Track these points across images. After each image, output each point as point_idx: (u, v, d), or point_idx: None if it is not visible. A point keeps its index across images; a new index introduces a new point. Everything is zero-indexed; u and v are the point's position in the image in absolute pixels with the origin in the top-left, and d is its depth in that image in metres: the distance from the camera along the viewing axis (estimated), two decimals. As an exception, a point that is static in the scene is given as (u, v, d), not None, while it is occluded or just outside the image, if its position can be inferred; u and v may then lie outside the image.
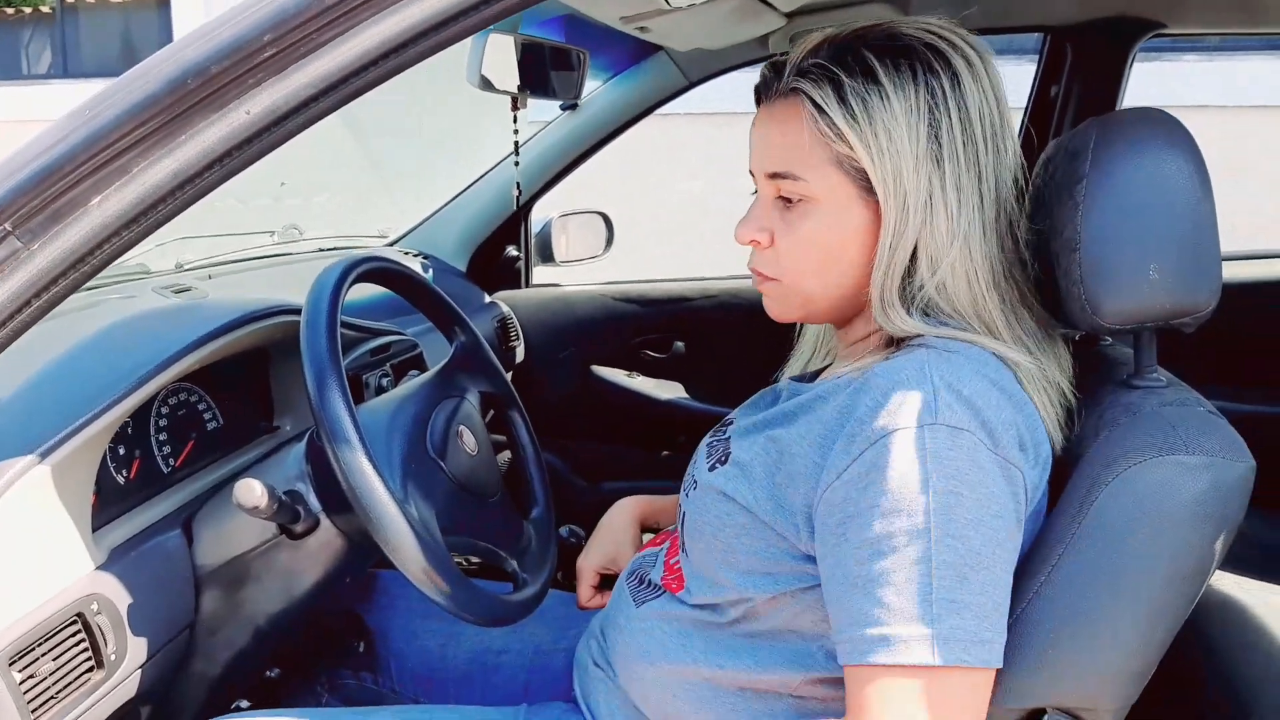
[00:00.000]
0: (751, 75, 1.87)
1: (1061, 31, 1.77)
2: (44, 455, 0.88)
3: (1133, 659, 0.79)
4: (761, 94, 0.91)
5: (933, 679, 0.72)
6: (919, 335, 0.84)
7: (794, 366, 1.04)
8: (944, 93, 0.83)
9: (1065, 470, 0.86)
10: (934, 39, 0.85)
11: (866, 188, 0.84)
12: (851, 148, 0.83)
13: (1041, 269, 0.91)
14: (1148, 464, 0.78)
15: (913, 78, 0.83)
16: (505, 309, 2.09)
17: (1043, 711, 0.80)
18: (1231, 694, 1.20)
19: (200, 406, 1.19)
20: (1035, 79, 1.90)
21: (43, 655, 0.86)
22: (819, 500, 0.80)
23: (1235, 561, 1.44)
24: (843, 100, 0.82)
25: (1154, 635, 0.79)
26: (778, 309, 0.93)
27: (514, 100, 1.52)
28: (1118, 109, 1.80)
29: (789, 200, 0.88)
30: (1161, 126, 0.85)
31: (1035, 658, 0.79)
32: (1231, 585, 1.40)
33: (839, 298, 0.89)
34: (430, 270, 2.05)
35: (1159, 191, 0.83)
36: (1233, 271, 1.85)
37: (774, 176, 0.87)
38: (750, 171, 0.92)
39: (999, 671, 0.77)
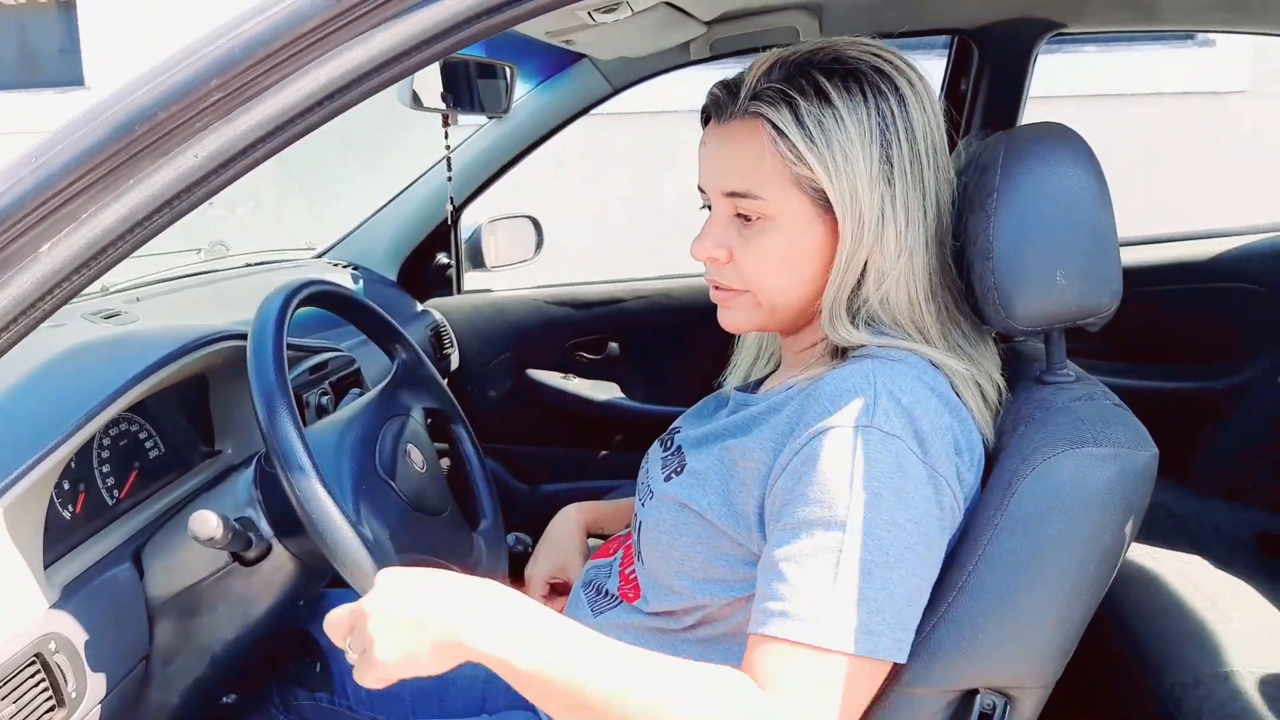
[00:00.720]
0: (672, 79, 1.92)
1: (968, 33, 1.84)
2: (-6, 498, 0.88)
3: (1055, 638, 0.86)
4: (712, 113, 0.93)
5: (818, 659, 0.77)
6: (863, 345, 0.89)
7: (737, 375, 1.09)
8: (893, 114, 0.88)
9: (988, 464, 0.92)
10: (879, 61, 0.90)
11: (824, 206, 0.89)
12: (810, 169, 0.87)
13: (959, 275, 0.97)
14: (1060, 456, 0.84)
15: (863, 99, 0.87)
16: (438, 316, 2.10)
17: (975, 691, 0.86)
18: (1145, 658, 1.29)
19: (141, 436, 1.19)
20: (945, 76, 1.98)
21: (3, 699, 0.86)
22: (767, 493, 0.85)
23: (1148, 533, 1.54)
24: (800, 123, 0.86)
25: (1073, 614, 0.86)
26: (739, 319, 0.96)
27: (444, 117, 1.54)
28: (1022, 118, 1.89)
29: (746, 218, 0.91)
30: (1064, 141, 0.92)
31: (966, 641, 0.84)
32: (1143, 555, 1.50)
33: (797, 308, 0.93)
34: (361, 281, 2.05)
35: (1063, 203, 0.89)
36: (1138, 255, 1.97)
37: (733, 195, 0.90)
38: (700, 188, 0.95)
39: (932, 656, 0.83)
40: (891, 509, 0.79)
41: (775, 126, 0.87)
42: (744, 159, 0.89)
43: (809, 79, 0.88)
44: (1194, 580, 1.43)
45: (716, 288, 0.95)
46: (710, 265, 0.95)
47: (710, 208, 0.95)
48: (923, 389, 0.84)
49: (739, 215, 0.92)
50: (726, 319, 0.97)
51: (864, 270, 0.89)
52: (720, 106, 0.92)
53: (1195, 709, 1.18)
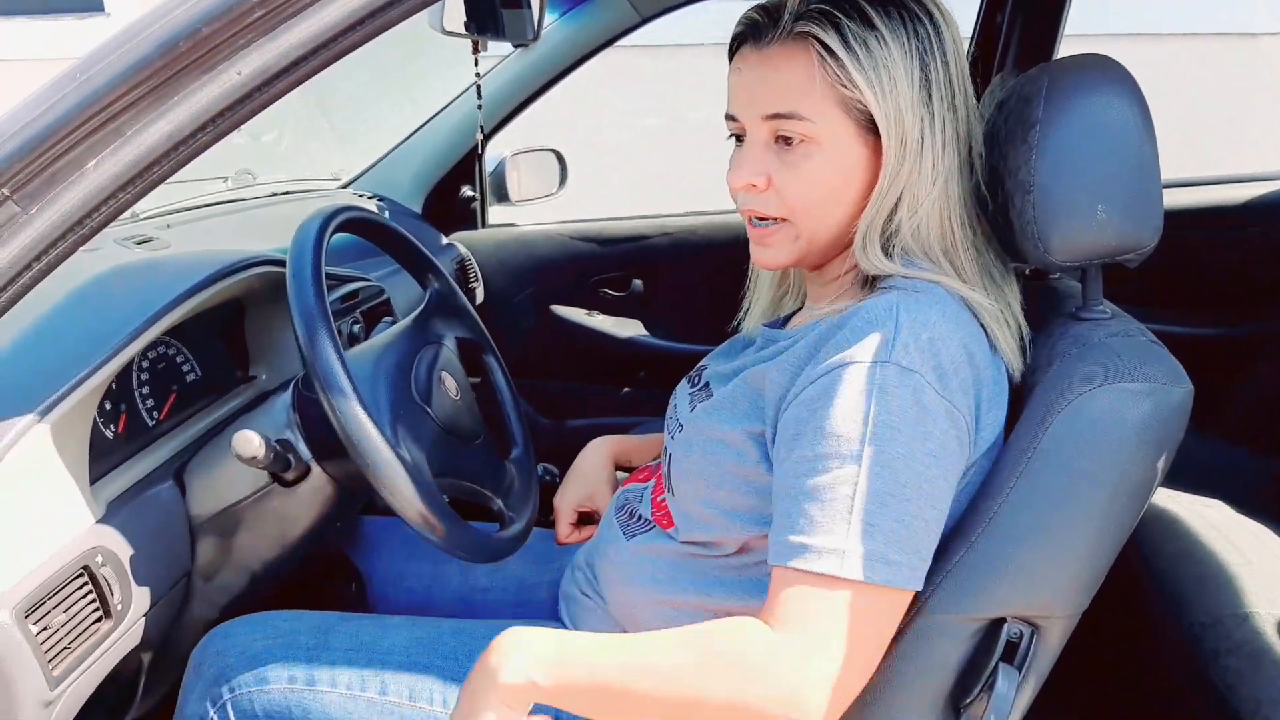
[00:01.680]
0: (701, 9, 1.89)
1: (1006, -35, 1.80)
2: (43, 414, 0.89)
3: (1083, 570, 0.87)
4: (749, 38, 0.92)
5: (837, 588, 0.79)
6: (890, 276, 0.89)
7: (754, 315, 1.08)
8: (930, 38, 0.88)
9: (1019, 399, 0.92)
10: None
11: (866, 128, 0.88)
12: (859, 89, 0.87)
13: (995, 207, 0.97)
14: (1096, 391, 0.85)
15: (902, 23, 0.87)
16: (463, 250, 2.10)
17: (1003, 620, 0.87)
18: (1168, 598, 1.30)
19: (179, 359, 1.21)
20: (980, 9, 1.94)
21: (54, 608, 0.88)
22: (780, 417, 0.86)
23: (1171, 477, 1.54)
24: (847, 44, 0.86)
25: (1102, 548, 0.87)
26: (778, 254, 0.94)
27: (474, 44, 1.52)
28: (1058, 54, 1.85)
29: (787, 141, 0.90)
30: (1109, 74, 0.90)
31: (996, 570, 0.86)
32: (1167, 499, 1.50)
33: (836, 236, 0.93)
34: (386, 212, 2.05)
35: (1106, 136, 0.88)
36: (1171, 199, 1.94)
37: (775, 117, 0.89)
38: (730, 116, 0.94)
39: (962, 583, 0.84)
40: (908, 443, 0.80)
41: (824, 46, 0.86)
42: (789, 80, 0.88)
43: (850, 2, 0.87)
44: (1215, 523, 1.44)
45: (758, 219, 0.94)
46: (747, 195, 0.93)
47: (740, 137, 0.94)
48: (945, 323, 0.84)
49: (778, 140, 0.91)
50: (765, 256, 0.95)
51: (900, 197, 0.89)
52: (759, 30, 0.91)
53: (1213, 648, 1.19)
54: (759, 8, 0.92)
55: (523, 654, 0.82)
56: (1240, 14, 3.85)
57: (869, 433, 0.80)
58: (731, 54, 0.95)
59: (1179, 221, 1.94)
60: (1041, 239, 0.90)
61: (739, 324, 1.11)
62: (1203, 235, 1.95)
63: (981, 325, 0.89)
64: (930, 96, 0.88)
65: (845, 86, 0.87)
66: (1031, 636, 0.88)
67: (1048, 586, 0.87)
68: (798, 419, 0.84)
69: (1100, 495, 0.85)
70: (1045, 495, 0.85)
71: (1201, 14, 3.84)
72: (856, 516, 0.79)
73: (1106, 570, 0.88)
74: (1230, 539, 1.39)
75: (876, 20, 0.86)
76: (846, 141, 0.89)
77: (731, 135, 0.96)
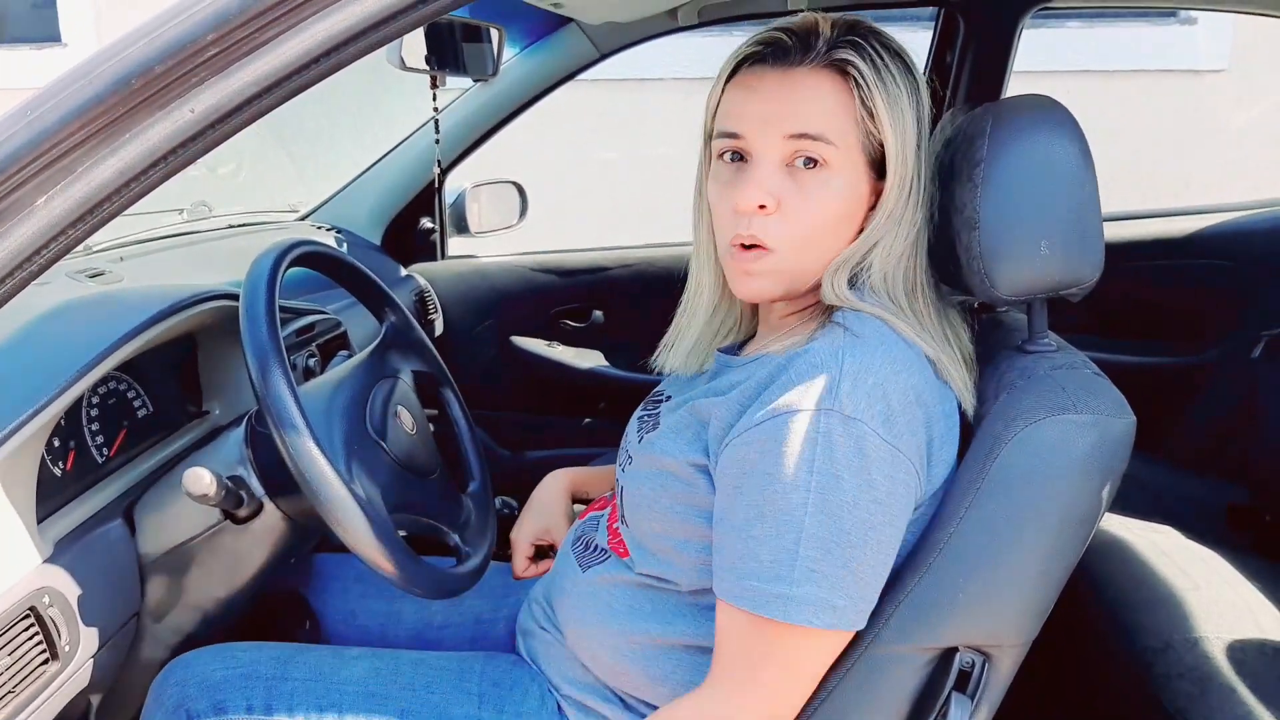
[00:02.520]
0: (659, 45, 1.91)
1: (954, 6, 1.85)
2: (-13, 453, 0.88)
3: (1032, 598, 0.88)
4: (770, 58, 0.90)
5: (780, 632, 0.82)
6: (841, 309, 0.90)
7: (680, 351, 1.05)
8: (917, 87, 0.91)
9: (968, 430, 0.94)
10: (898, 44, 0.92)
11: (873, 166, 0.90)
12: (882, 125, 0.88)
13: (942, 243, 0.99)
14: (1042, 423, 0.86)
15: (906, 73, 0.91)
16: (423, 282, 2.09)
17: (955, 650, 0.88)
18: (1119, 623, 1.32)
19: (130, 395, 1.19)
20: (931, 48, 1.99)
21: (-2, 650, 0.87)
22: (721, 451, 0.87)
23: (1122, 504, 1.57)
24: (879, 78, 0.88)
25: (1050, 576, 0.88)
26: (761, 285, 0.91)
27: (433, 79, 1.53)
28: (1006, 92, 1.90)
29: (809, 163, 0.88)
30: (1051, 113, 0.93)
31: (947, 600, 0.87)
32: (1118, 525, 1.53)
33: (816, 271, 0.92)
34: (345, 245, 2.04)
35: (1049, 174, 0.91)
36: (1119, 231, 2.00)
37: (801, 137, 0.88)
38: (731, 133, 0.91)
39: (913, 614, 0.85)
40: (853, 490, 0.81)
41: (862, 76, 0.88)
42: (820, 105, 0.88)
43: (869, 42, 0.90)
44: (1165, 549, 1.47)
45: (751, 246, 0.89)
46: (748, 219, 0.89)
47: (738, 156, 0.91)
48: (890, 365, 0.85)
49: (795, 163, 0.89)
50: (748, 286, 0.91)
51: (877, 243, 0.90)
52: (785, 51, 0.89)
53: (1164, 672, 1.21)
54: (784, 29, 0.91)
55: None
56: (1186, 53, 3.96)
57: (813, 480, 0.81)
58: (733, 72, 0.92)
59: (1127, 253, 2.00)
60: (987, 274, 0.92)
61: (653, 364, 1.07)
62: (1149, 266, 2.00)
63: (934, 366, 0.90)
64: (920, 145, 0.91)
65: (869, 119, 0.88)
66: (983, 665, 0.89)
67: (998, 615, 0.88)
68: (743, 460, 0.84)
69: (1047, 524, 0.87)
70: (994, 525, 0.86)
71: (1148, 52, 3.95)
72: (802, 563, 0.81)
73: (1055, 598, 0.90)
74: (1180, 565, 1.42)
75: (891, 63, 0.89)
76: (856, 174, 0.90)
77: (722, 155, 0.92)
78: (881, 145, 0.89)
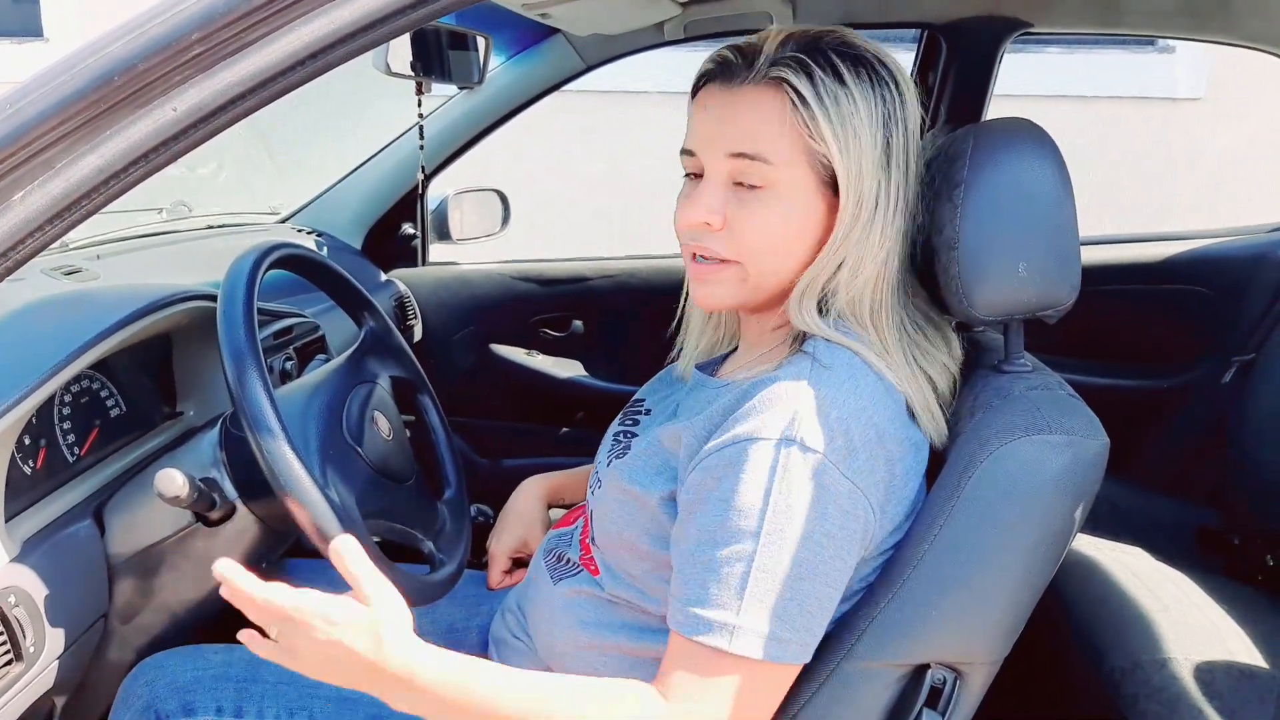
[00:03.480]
0: (645, 58, 1.92)
1: (937, 28, 1.87)
2: (-44, 450, 0.87)
3: (1004, 616, 0.89)
4: (719, 76, 0.91)
5: (726, 663, 0.81)
6: (813, 337, 0.90)
7: (690, 353, 1.07)
8: (895, 104, 0.89)
9: (944, 448, 0.94)
10: (880, 54, 0.91)
11: (827, 183, 0.88)
12: (825, 142, 0.86)
13: (923, 261, 0.99)
14: (1016, 443, 0.87)
15: (871, 85, 0.88)
16: (403, 288, 2.09)
17: (926, 666, 0.88)
18: (1088, 642, 1.33)
19: (103, 394, 1.18)
20: (914, 69, 2.01)
21: (-40, 650, 0.85)
22: (683, 480, 0.87)
23: (1093, 525, 1.58)
24: (819, 95, 0.86)
25: (1022, 595, 0.89)
26: (721, 294, 0.92)
27: (418, 85, 1.53)
28: (987, 114, 1.92)
29: (745, 185, 0.89)
30: (1031, 137, 0.94)
31: (919, 617, 0.87)
32: (1088, 546, 1.54)
33: (780, 284, 0.92)
34: (325, 248, 2.03)
35: (1027, 196, 0.92)
36: (1096, 255, 2.02)
37: (738, 157, 0.88)
38: (688, 151, 0.92)
39: (886, 631, 0.85)
40: (806, 523, 0.81)
41: (798, 94, 0.86)
42: (758, 123, 0.87)
43: (825, 56, 0.87)
44: (1135, 570, 1.48)
45: (702, 258, 0.92)
46: (697, 232, 0.91)
47: (696, 175, 0.93)
48: (856, 400, 0.85)
49: (736, 183, 0.90)
50: (706, 295, 0.93)
51: (844, 259, 0.89)
52: (731, 70, 0.90)
53: (1133, 692, 1.22)
54: (732, 47, 0.91)
55: (412, 647, 0.82)
56: (1164, 81, 4.02)
57: (768, 510, 0.81)
58: (695, 90, 0.94)
59: (1103, 276, 2.02)
60: (965, 294, 0.93)
61: (672, 363, 1.10)
62: (1125, 290, 2.02)
63: (906, 400, 0.89)
64: (889, 162, 0.88)
65: (813, 138, 0.86)
66: (955, 682, 0.89)
67: (970, 633, 0.88)
68: (701, 485, 0.84)
69: (1020, 543, 0.87)
70: (967, 543, 0.87)
71: (1127, 80, 4.01)
72: (750, 593, 0.80)
73: (1027, 616, 0.90)
74: (1149, 586, 1.43)
75: (848, 78, 0.87)
76: (806, 193, 0.88)
77: (687, 174, 0.94)
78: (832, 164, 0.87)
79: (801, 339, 0.91)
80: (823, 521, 0.81)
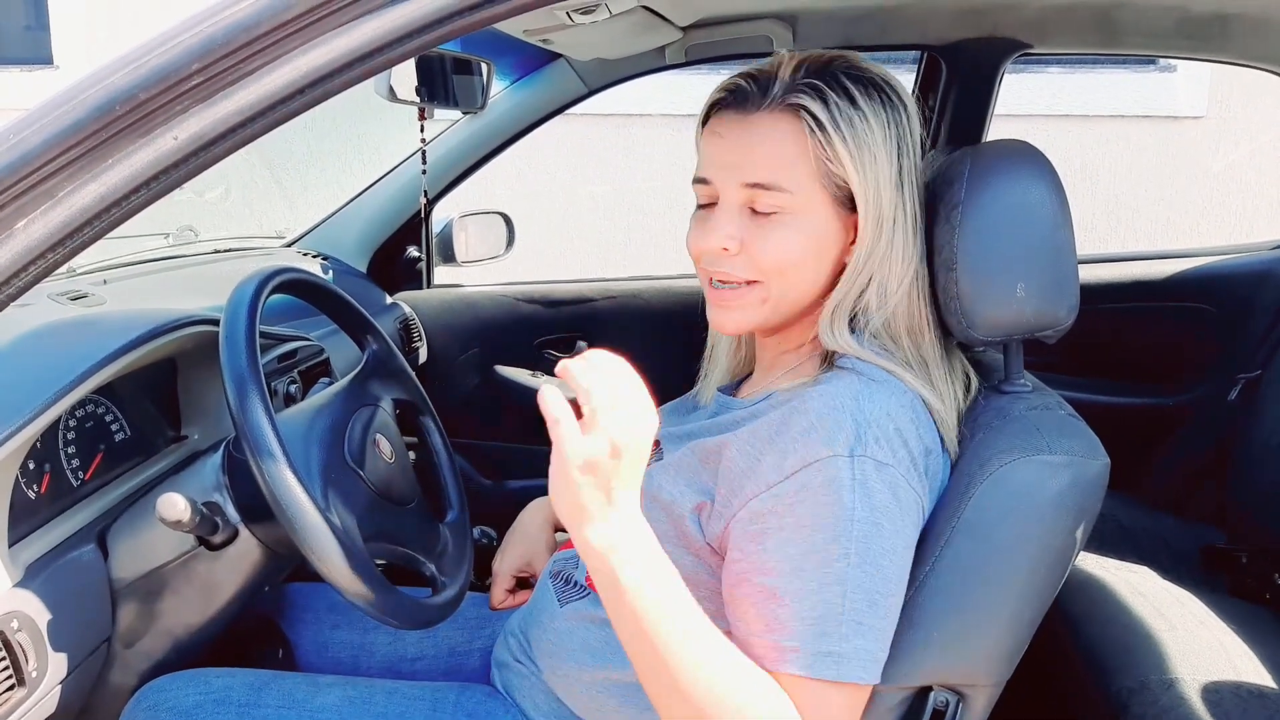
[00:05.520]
0: (647, 82, 1.93)
1: (937, 50, 1.88)
2: (-40, 475, 0.87)
3: (1006, 638, 0.88)
4: (732, 104, 0.92)
5: (838, 692, 0.80)
6: (848, 356, 0.90)
7: (714, 380, 1.07)
8: (904, 125, 0.91)
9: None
10: (886, 76, 0.92)
11: (843, 204, 0.90)
12: (843, 165, 0.88)
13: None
14: (1016, 463, 0.87)
15: (882, 106, 0.90)
16: (408, 310, 2.10)
17: (929, 688, 0.88)
18: (1094, 663, 1.32)
19: (108, 418, 1.18)
20: (914, 90, 2.01)
21: (-37, 675, 0.86)
22: (741, 507, 0.85)
23: (1099, 544, 1.57)
24: (835, 120, 0.88)
25: (1024, 616, 0.88)
26: (740, 318, 0.92)
27: (421, 111, 1.54)
28: (987, 135, 1.93)
29: (762, 210, 0.90)
30: (1028, 158, 0.95)
31: (921, 640, 0.87)
32: (1093, 565, 1.54)
33: (802, 306, 0.93)
34: (331, 272, 2.04)
35: (1025, 218, 0.92)
36: (1098, 273, 2.02)
37: (754, 186, 0.89)
38: (702, 179, 0.93)
39: (890, 651, 0.85)
40: (891, 538, 0.81)
41: (815, 119, 0.87)
42: (775, 150, 0.88)
43: (837, 80, 0.89)
44: (1141, 590, 1.47)
45: (721, 283, 0.92)
46: (714, 257, 0.91)
47: (709, 202, 0.93)
48: (905, 414, 0.86)
49: (751, 208, 0.90)
50: (726, 320, 0.93)
51: (871, 278, 0.90)
52: (746, 97, 0.91)
53: (1140, 713, 1.21)
54: (745, 75, 0.92)
55: (635, 547, 0.75)
56: (1165, 99, 4.03)
57: (854, 529, 0.79)
58: (706, 117, 0.94)
59: (1106, 295, 2.02)
60: (964, 315, 0.93)
61: (697, 394, 1.09)
62: (1128, 308, 2.02)
63: (932, 415, 0.90)
64: (902, 181, 0.90)
65: (830, 161, 0.88)
66: (958, 705, 0.89)
67: (973, 655, 0.88)
68: (772, 512, 0.82)
69: (1021, 564, 0.87)
70: (968, 565, 0.87)
71: (1128, 98, 4.02)
72: (849, 616, 0.79)
73: (1029, 638, 0.90)
74: (1156, 605, 1.42)
75: (860, 100, 0.89)
76: (823, 215, 0.90)
77: (704, 202, 0.94)
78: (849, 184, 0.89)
79: (832, 357, 0.91)
80: (900, 534, 0.82)
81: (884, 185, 0.89)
